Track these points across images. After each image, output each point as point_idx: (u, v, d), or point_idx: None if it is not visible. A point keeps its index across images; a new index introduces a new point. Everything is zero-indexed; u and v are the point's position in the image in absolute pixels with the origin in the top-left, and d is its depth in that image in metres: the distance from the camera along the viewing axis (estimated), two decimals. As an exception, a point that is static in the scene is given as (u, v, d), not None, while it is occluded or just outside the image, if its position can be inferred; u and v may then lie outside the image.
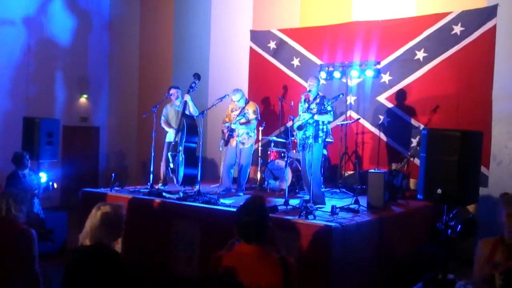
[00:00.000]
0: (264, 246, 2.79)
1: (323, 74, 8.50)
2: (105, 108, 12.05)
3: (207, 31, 10.47)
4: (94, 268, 2.99)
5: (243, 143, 7.39)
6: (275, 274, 2.68)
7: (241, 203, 2.91)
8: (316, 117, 6.34)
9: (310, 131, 6.37)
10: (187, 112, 7.65)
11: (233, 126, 7.32)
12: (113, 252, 3.12)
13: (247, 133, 7.40)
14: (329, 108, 6.43)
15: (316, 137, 6.41)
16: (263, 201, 2.91)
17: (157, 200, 6.62)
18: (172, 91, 8.09)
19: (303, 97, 6.73)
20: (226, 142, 7.42)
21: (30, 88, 10.36)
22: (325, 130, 6.53)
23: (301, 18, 9.36)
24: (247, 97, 7.68)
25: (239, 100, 7.36)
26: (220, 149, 7.74)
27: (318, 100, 6.51)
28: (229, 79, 9.57)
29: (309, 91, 6.64)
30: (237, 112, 7.40)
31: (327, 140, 6.94)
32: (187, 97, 7.63)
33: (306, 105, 6.57)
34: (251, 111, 7.38)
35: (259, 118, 7.57)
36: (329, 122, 6.73)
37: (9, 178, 6.72)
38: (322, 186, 6.78)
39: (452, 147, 4.77)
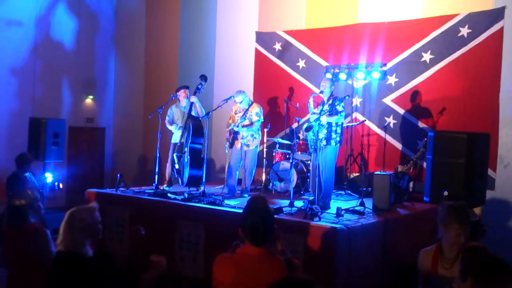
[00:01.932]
0: (268, 248, 2.77)
1: (328, 76, 8.47)
2: (110, 109, 12.08)
3: (212, 32, 10.47)
4: (64, 277, 2.94)
5: (247, 145, 7.37)
6: (280, 276, 2.66)
7: (245, 205, 2.89)
8: (323, 118, 6.28)
9: (322, 133, 6.33)
10: (193, 113, 7.65)
11: (236, 129, 7.31)
12: (86, 259, 3.00)
13: (252, 135, 7.38)
14: (340, 108, 6.36)
15: (328, 139, 6.35)
16: (265, 202, 2.89)
17: (162, 201, 6.62)
18: (181, 91, 8.08)
19: (311, 98, 6.69)
20: (231, 144, 7.41)
21: (37, 89, 10.40)
22: (338, 131, 6.41)
23: (307, 19, 9.34)
24: (251, 99, 7.65)
25: (242, 101, 7.34)
26: (226, 151, 7.74)
27: (330, 102, 6.45)
28: (234, 80, 9.55)
29: (321, 92, 6.59)
30: (241, 114, 7.38)
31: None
32: (194, 99, 7.64)
33: (321, 107, 6.52)
34: (254, 113, 7.36)
35: (263, 120, 7.55)
36: (342, 123, 6.58)
37: (11, 179, 6.72)
38: (332, 191, 6.69)
39: (458, 149, 4.76)
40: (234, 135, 7.35)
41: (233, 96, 7.37)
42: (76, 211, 3.09)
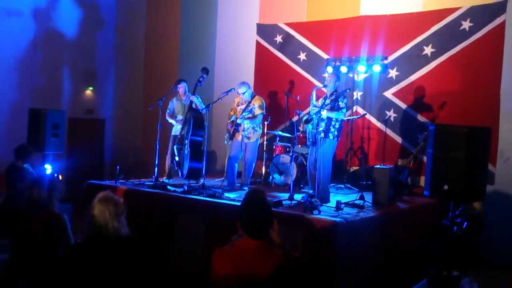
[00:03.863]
0: (267, 241, 2.76)
1: (329, 69, 8.44)
2: (110, 101, 12.05)
3: (213, 24, 10.43)
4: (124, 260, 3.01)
5: (248, 137, 7.36)
6: (279, 269, 2.66)
7: (243, 199, 2.88)
8: (324, 112, 6.28)
9: (321, 126, 6.32)
10: (193, 106, 7.64)
11: (239, 121, 7.29)
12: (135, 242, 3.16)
13: (253, 128, 7.37)
14: (341, 104, 6.35)
15: (327, 132, 6.34)
16: (264, 195, 2.88)
17: (162, 193, 6.62)
18: (181, 85, 8.06)
19: (314, 91, 6.67)
20: (232, 136, 7.40)
21: (37, 80, 10.36)
22: (337, 126, 6.40)
23: (308, 12, 9.30)
24: (253, 91, 7.63)
25: (245, 92, 7.32)
26: (225, 142, 7.73)
27: (333, 97, 6.44)
28: (235, 73, 9.53)
29: (325, 85, 6.57)
30: (243, 106, 7.36)
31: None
32: (194, 98, 7.60)
33: (322, 100, 6.51)
34: (257, 105, 7.34)
35: (265, 113, 7.54)
36: (342, 119, 6.57)
37: (9, 170, 6.71)
38: (329, 184, 6.70)
39: (459, 143, 4.73)
40: (236, 127, 7.33)
41: (234, 89, 7.35)
42: (113, 198, 3.19)
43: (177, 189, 6.69)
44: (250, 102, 7.34)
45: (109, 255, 2.97)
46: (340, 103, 6.32)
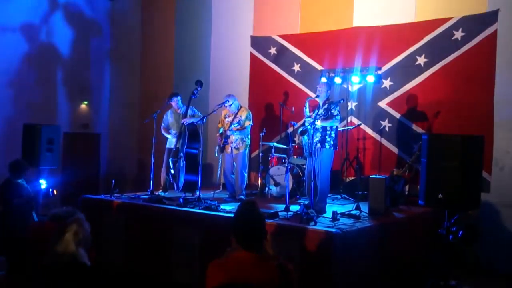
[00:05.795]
0: (261, 253, 2.75)
1: (324, 80, 8.47)
2: (106, 115, 12.05)
3: (208, 36, 10.47)
4: None
5: (237, 148, 7.42)
6: (273, 281, 2.64)
7: (236, 210, 2.87)
8: (318, 122, 6.30)
9: (317, 137, 6.34)
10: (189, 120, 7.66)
11: (228, 133, 7.36)
12: None
13: (241, 139, 7.45)
14: (335, 112, 6.37)
15: (323, 142, 6.35)
16: (256, 206, 2.86)
17: (157, 206, 6.60)
18: (174, 100, 8.04)
19: (307, 102, 6.70)
20: (222, 149, 7.45)
21: (31, 95, 10.34)
22: (332, 135, 6.41)
23: (301, 23, 9.35)
24: (239, 103, 7.66)
25: (231, 105, 7.39)
26: (216, 154, 7.74)
27: (326, 106, 6.47)
28: (229, 85, 9.55)
29: (317, 96, 6.61)
30: (230, 118, 7.43)
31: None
32: (186, 121, 7.54)
33: (316, 110, 6.53)
34: (244, 117, 7.41)
35: (253, 124, 7.59)
36: (337, 128, 6.59)
37: (4, 185, 6.68)
38: (328, 194, 6.69)
39: (453, 152, 4.76)
40: (225, 139, 7.39)
41: (228, 101, 7.38)
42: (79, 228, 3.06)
43: (172, 202, 6.67)
44: (236, 113, 7.40)
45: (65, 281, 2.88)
46: (333, 111, 6.34)
